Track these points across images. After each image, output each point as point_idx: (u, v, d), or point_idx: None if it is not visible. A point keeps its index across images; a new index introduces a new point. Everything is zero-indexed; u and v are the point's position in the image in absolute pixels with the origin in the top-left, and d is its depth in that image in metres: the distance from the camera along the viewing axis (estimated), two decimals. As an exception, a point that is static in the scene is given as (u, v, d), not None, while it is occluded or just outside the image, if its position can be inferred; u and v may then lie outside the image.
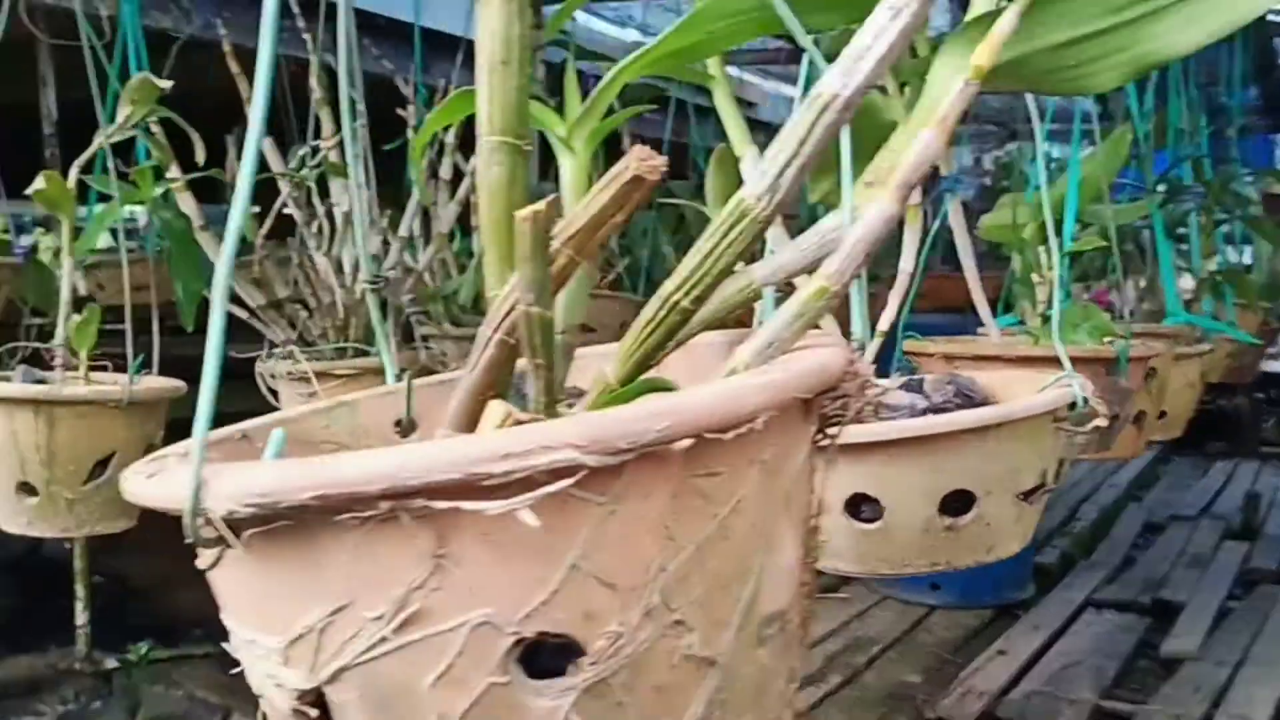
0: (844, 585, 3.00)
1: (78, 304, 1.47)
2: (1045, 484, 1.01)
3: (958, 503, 0.98)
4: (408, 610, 0.41)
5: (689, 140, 2.90)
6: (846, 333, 0.90)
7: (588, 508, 0.41)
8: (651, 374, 0.59)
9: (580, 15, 2.96)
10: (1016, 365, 1.24)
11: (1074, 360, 1.11)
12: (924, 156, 0.53)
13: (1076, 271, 1.52)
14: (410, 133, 1.88)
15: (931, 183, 1.29)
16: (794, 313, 0.53)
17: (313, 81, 1.73)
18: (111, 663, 2.62)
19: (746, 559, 0.47)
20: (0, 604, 3.15)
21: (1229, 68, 3.06)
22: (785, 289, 0.63)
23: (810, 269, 0.64)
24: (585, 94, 0.70)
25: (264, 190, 1.82)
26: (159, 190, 1.47)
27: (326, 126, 1.72)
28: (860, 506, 0.99)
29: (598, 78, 0.72)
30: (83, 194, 1.59)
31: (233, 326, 1.79)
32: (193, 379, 1.51)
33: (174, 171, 1.54)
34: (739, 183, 0.99)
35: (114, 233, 1.76)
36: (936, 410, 0.99)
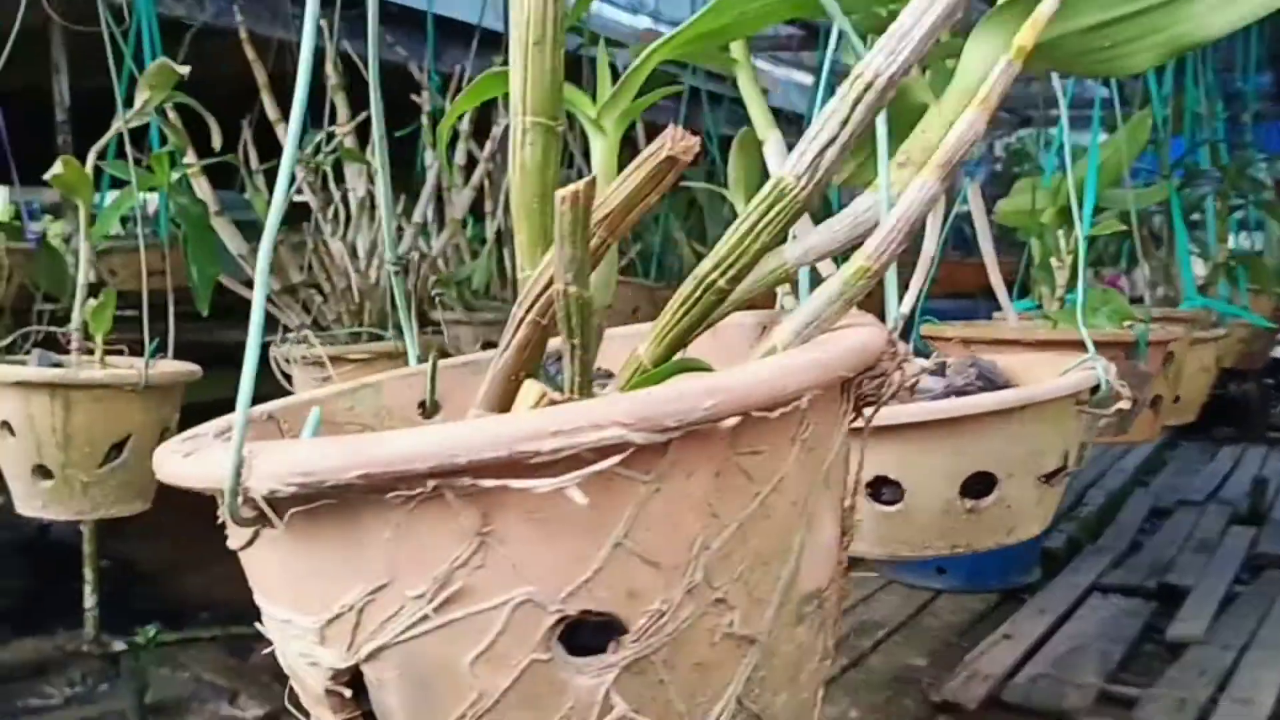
0: (850, 569, 3.00)
1: (92, 289, 1.47)
2: (1067, 466, 1.00)
3: (979, 485, 0.97)
4: (450, 588, 0.41)
5: (702, 127, 2.89)
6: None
7: (633, 486, 0.41)
8: (681, 355, 0.59)
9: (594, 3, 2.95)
10: (1035, 349, 1.23)
11: (1093, 344, 1.10)
12: (967, 136, 0.53)
13: (1090, 256, 1.51)
14: (424, 119, 1.88)
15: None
16: (835, 292, 0.53)
17: (328, 68, 1.73)
18: (119, 645, 2.62)
19: (787, 537, 0.47)
20: (8, 586, 3.16)
21: (1244, 53, 3.05)
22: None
23: (842, 250, 0.64)
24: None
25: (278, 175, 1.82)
26: (175, 176, 1.47)
27: (341, 112, 1.72)
28: (881, 489, 0.98)
29: (611, 65, 0.71)
30: (95, 180, 1.58)
31: (248, 312, 1.79)
32: (206, 363, 1.51)
33: (190, 157, 1.53)
34: (761, 167, 1.00)
35: (124, 220, 1.76)
36: (959, 393, 0.99)
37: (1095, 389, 1.00)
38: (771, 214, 0.54)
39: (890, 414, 0.93)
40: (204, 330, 1.77)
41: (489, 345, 1.82)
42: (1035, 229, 1.48)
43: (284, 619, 0.48)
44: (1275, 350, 3.83)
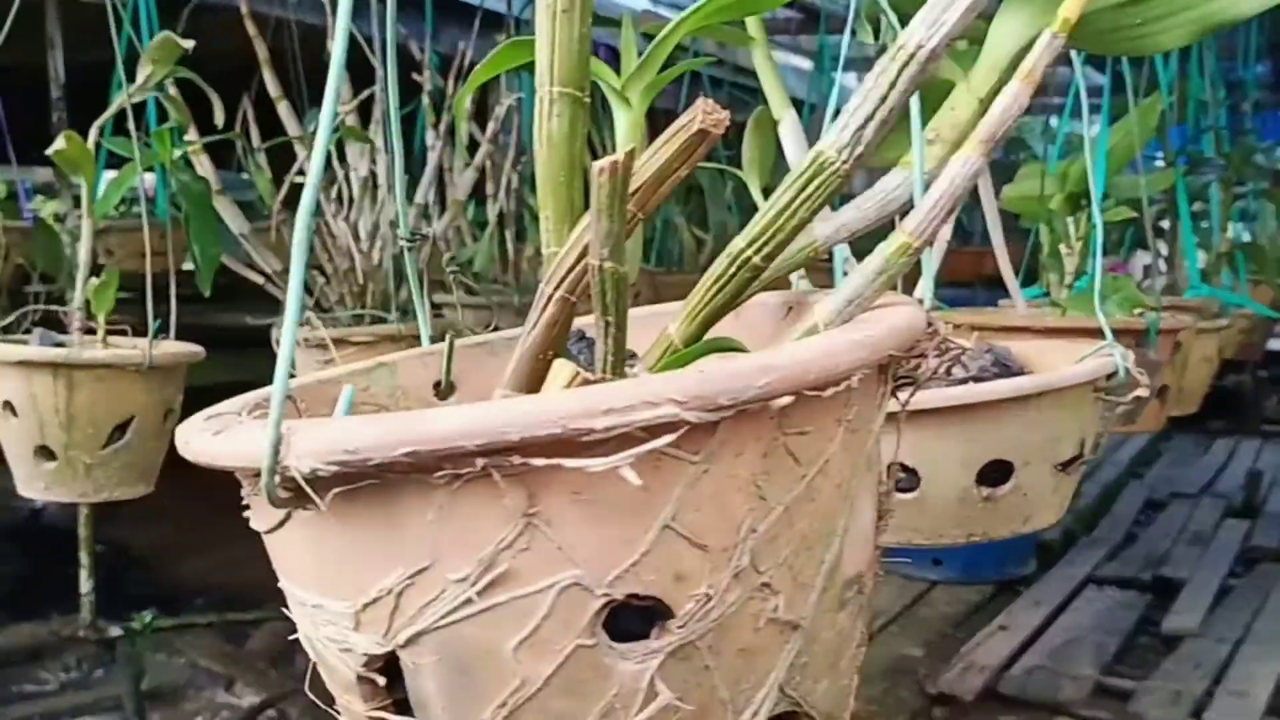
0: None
1: (93, 268, 1.45)
2: (1083, 454, 0.99)
3: (995, 473, 0.96)
4: (495, 571, 0.40)
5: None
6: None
7: (681, 466, 0.40)
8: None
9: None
10: (1045, 336, 1.22)
11: (1100, 331, 1.09)
12: (1012, 110, 0.52)
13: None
14: (425, 99, 1.87)
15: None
16: (875, 269, 0.52)
17: (330, 45, 1.71)
18: (115, 631, 2.61)
19: (832, 521, 0.46)
20: (2, 571, 3.14)
21: (1244, 42, 3.05)
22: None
23: (872, 227, 0.63)
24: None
25: (280, 155, 1.80)
26: (177, 153, 1.45)
27: (345, 91, 1.69)
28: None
29: (610, 45, 0.70)
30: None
31: (249, 293, 1.77)
32: (205, 346, 1.50)
33: (191, 134, 1.51)
34: (776, 147, 0.98)
35: (122, 200, 1.74)
36: (974, 379, 0.98)
37: (1111, 376, 0.99)
38: (810, 189, 0.52)
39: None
40: (201, 313, 1.76)
41: (489, 328, 1.81)
42: (1044, 215, 1.47)
43: (314, 604, 0.46)
44: (1271, 342, 3.83)
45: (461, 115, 0.71)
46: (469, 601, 0.40)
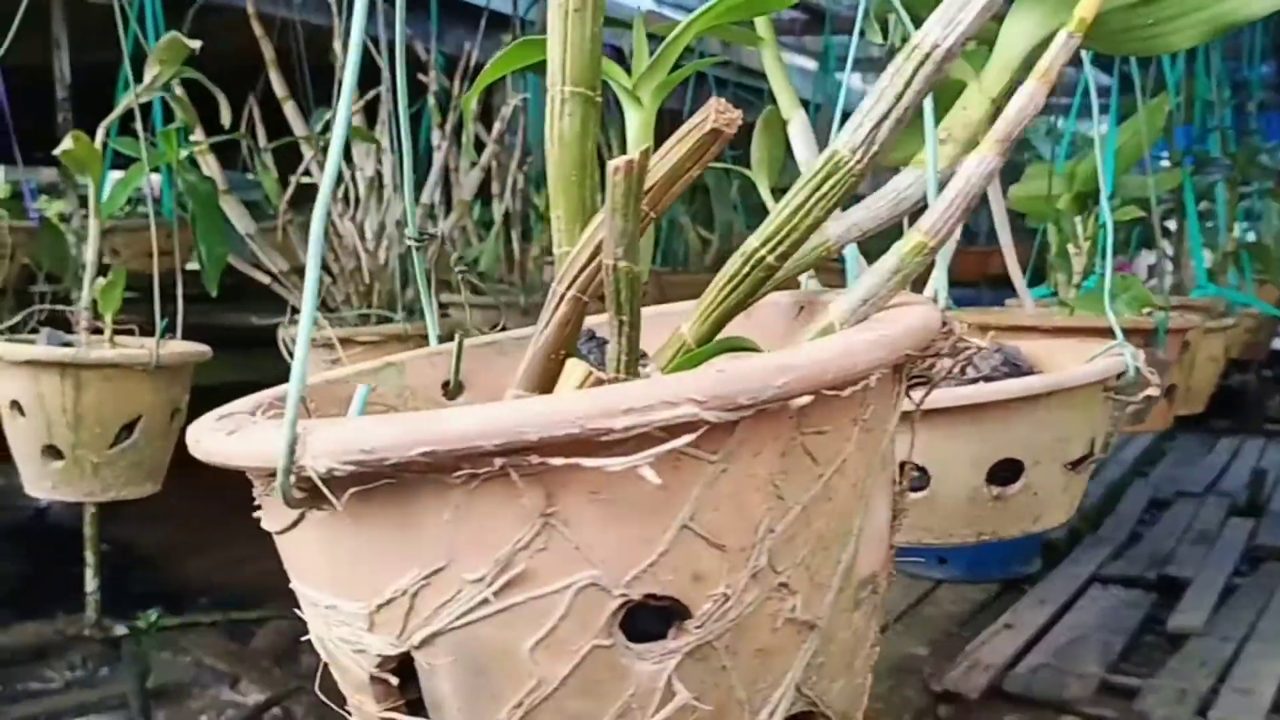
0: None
1: (100, 268, 1.45)
2: (1093, 453, 0.99)
3: (1005, 472, 0.96)
4: (512, 571, 0.40)
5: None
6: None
7: (700, 466, 0.40)
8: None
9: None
10: (1054, 336, 1.22)
11: (1109, 331, 1.09)
12: (1028, 109, 0.51)
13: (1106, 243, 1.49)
14: (431, 99, 1.87)
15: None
16: (891, 268, 0.51)
17: (337, 46, 1.71)
18: (120, 629, 2.61)
19: (848, 520, 0.46)
20: (7, 570, 3.14)
21: (1250, 42, 3.05)
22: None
23: (884, 227, 0.62)
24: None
25: (286, 155, 1.80)
26: (184, 153, 1.45)
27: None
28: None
29: (614, 46, 0.70)
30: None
31: (255, 293, 1.77)
32: (211, 346, 1.50)
33: (198, 134, 1.51)
34: (786, 147, 0.98)
35: (127, 200, 1.74)
36: (985, 379, 0.97)
37: (1121, 375, 0.98)
38: (825, 188, 0.52)
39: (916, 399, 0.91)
40: (207, 312, 1.76)
41: (496, 328, 1.81)
42: (1051, 215, 1.47)
43: (328, 605, 0.46)
44: (1275, 341, 3.83)
45: (469, 115, 0.71)
46: (485, 602, 0.40)
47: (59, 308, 1.51)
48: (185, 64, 1.38)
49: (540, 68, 0.69)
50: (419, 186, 1.72)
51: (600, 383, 0.50)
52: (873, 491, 0.48)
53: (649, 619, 0.42)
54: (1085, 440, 0.98)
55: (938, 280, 0.81)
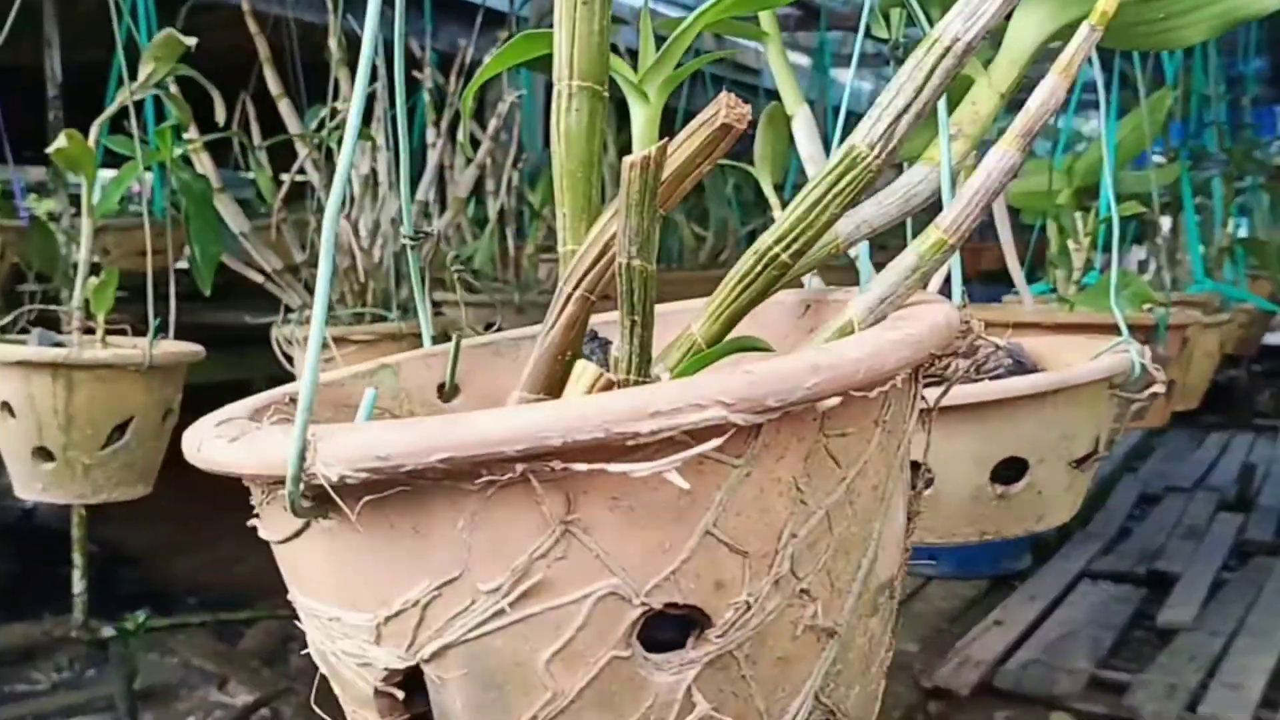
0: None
1: (92, 268, 1.44)
2: (1097, 451, 0.98)
3: (1009, 470, 0.95)
4: (529, 581, 0.38)
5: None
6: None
7: (723, 470, 0.38)
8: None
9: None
10: (1055, 332, 1.21)
11: (1110, 327, 1.08)
12: (1049, 104, 0.50)
13: (1105, 239, 1.49)
14: (426, 96, 1.85)
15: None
16: (909, 266, 0.50)
17: (331, 43, 1.70)
18: (107, 630, 2.60)
19: (869, 524, 0.45)
20: (-5, 571, 3.13)
21: (1244, 37, 3.05)
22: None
23: (894, 223, 0.61)
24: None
25: (281, 153, 1.79)
26: (178, 151, 1.43)
27: (345, 88, 1.68)
28: (905, 474, 0.96)
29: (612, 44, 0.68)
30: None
31: (245, 291, 1.76)
32: (203, 343, 1.48)
33: (192, 132, 1.50)
34: (789, 142, 0.97)
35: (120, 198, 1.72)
36: (989, 376, 0.96)
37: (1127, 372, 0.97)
38: (842, 184, 0.51)
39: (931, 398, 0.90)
40: (198, 311, 1.75)
41: (490, 327, 1.80)
42: (1051, 211, 1.46)
43: (331, 616, 0.45)
44: (1267, 336, 3.84)
45: (466, 112, 0.70)
46: (501, 613, 0.39)
47: (49, 308, 1.49)
48: (180, 61, 1.37)
49: (539, 63, 0.68)
50: (413, 184, 1.70)
51: (611, 385, 0.49)
52: (892, 493, 0.47)
53: (664, 627, 0.41)
54: (1090, 438, 0.97)
55: (953, 277, 0.80)
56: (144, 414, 1.38)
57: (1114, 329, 1.06)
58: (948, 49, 0.49)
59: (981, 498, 0.95)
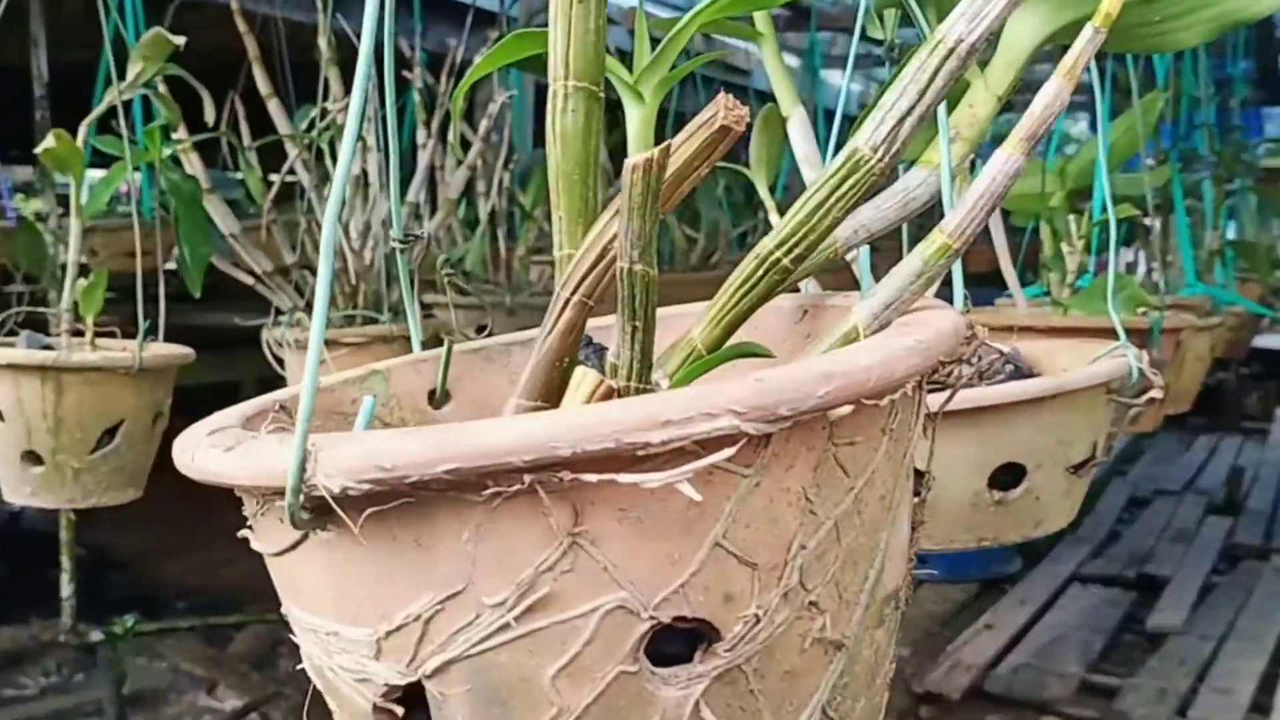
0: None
1: (80, 269, 1.42)
2: (1095, 456, 0.98)
3: (1007, 476, 0.94)
4: (535, 594, 0.37)
5: (698, 110, 2.87)
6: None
7: (732, 480, 0.38)
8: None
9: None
10: (1049, 336, 1.21)
11: (1104, 331, 1.08)
12: (1053, 106, 0.50)
13: (1099, 242, 1.49)
14: (416, 96, 1.84)
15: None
16: (914, 271, 0.50)
17: (321, 42, 1.69)
18: (96, 635, 2.58)
19: (876, 534, 0.44)
20: (-19, 575, 3.11)
21: (1233, 38, 3.05)
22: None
23: (893, 227, 0.61)
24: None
25: (271, 153, 1.78)
26: (167, 152, 1.42)
27: (335, 88, 1.68)
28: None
29: None
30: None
31: (233, 293, 1.75)
32: (191, 345, 1.47)
33: (181, 132, 1.49)
34: (784, 144, 0.96)
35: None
36: (987, 381, 0.96)
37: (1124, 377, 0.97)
38: (845, 188, 0.50)
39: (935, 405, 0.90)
40: (186, 313, 1.73)
41: (482, 329, 1.79)
42: (1045, 214, 1.46)
43: (328, 631, 0.43)
44: (1255, 339, 3.85)
45: (457, 113, 0.69)
46: (506, 627, 0.38)
47: (37, 309, 1.48)
48: (168, 61, 1.35)
49: (531, 63, 0.67)
50: (404, 185, 1.70)
51: (612, 392, 0.48)
52: (899, 503, 0.47)
53: (670, 641, 0.41)
54: (1088, 443, 0.97)
55: (955, 282, 0.80)
56: (134, 417, 1.37)
57: (1109, 333, 1.05)
58: (951, 50, 0.49)
59: (979, 504, 0.95)
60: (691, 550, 0.38)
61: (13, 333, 1.44)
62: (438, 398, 0.69)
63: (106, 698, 2.38)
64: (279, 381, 1.63)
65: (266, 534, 0.45)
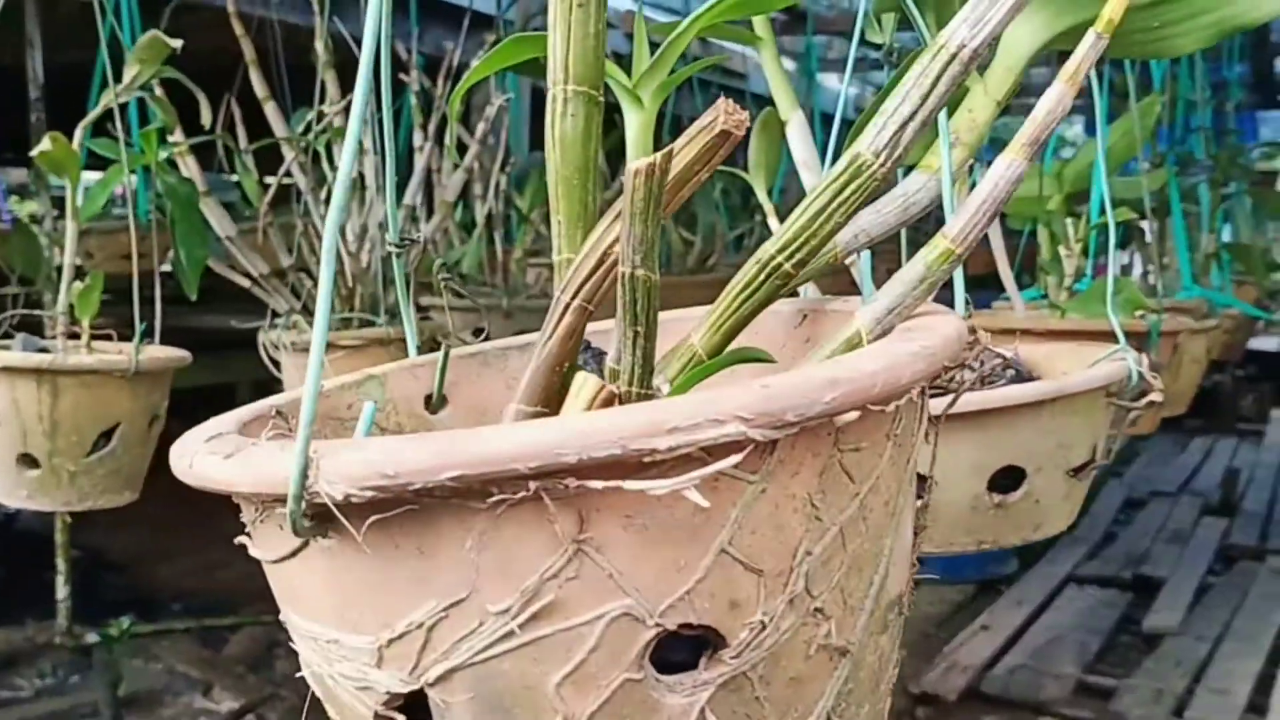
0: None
1: (77, 271, 1.42)
2: (1095, 459, 0.98)
3: (1006, 479, 0.94)
4: (540, 602, 0.37)
5: (695, 115, 2.87)
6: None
7: (738, 486, 0.38)
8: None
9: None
10: (1047, 339, 1.21)
11: (1103, 334, 1.08)
12: (1056, 112, 0.50)
13: (1096, 245, 1.49)
14: (413, 98, 1.84)
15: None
16: (917, 276, 0.50)
17: (318, 45, 1.69)
18: (91, 637, 2.58)
19: (880, 540, 0.44)
20: (-24, 577, 3.10)
21: (1229, 42, 3.05)
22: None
23: (892, 232, 0.61)
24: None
25: (267, 156, 1.77)
26: (163, 155, 1.42)
27: (332, 91, 1.67)
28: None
29: None
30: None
31: (228, 295, 1.74)
32: (186, 347, 1.47)
33: (177, 135, 1.48)
34: (783, 148, 0.96)
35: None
36: (987, 384, 0.96)
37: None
38: (846, 193, 0.50)
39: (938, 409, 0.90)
40: (181, 315, 1.73)
41: (479, 332, 1.78)
42: (1042, 217, 1.46)
43: (329, 639, 0.43)
44: (1251, 341, 3.85)
45: (454, 115, 0.68)
46: (510, 635, 0.38)
47: (32, 312, 1.48)
48: (165, 63, 1.35)
49: (528, 67, 0.67)
50: (400, 188, 1.69)
51: (613, 397, 0.48)
52: (903, 508, 0.47)
53: (675, 648, 0.40)
54: (1087, 446, 0.97)
55: (956, 287, 0.80)
56: (130, 420, 1.36)
57: (1107, 336, 1.05)
58: (954, 56, 0.49)
59: (979, 507, 0.95)
60: (697, 557, 0.38)
61: (8, 335, 1.43)
62: (434, 403, 0.69)
63: (102, 699, 2.38)
64: (274, 383, 1.63)
65: (265, 541, 0.45)
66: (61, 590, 2.62)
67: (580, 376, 0.49)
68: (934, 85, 0.49)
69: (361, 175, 1.67)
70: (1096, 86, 1.08)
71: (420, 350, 0.72)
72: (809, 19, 3.28)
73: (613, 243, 0.50)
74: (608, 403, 0.47)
